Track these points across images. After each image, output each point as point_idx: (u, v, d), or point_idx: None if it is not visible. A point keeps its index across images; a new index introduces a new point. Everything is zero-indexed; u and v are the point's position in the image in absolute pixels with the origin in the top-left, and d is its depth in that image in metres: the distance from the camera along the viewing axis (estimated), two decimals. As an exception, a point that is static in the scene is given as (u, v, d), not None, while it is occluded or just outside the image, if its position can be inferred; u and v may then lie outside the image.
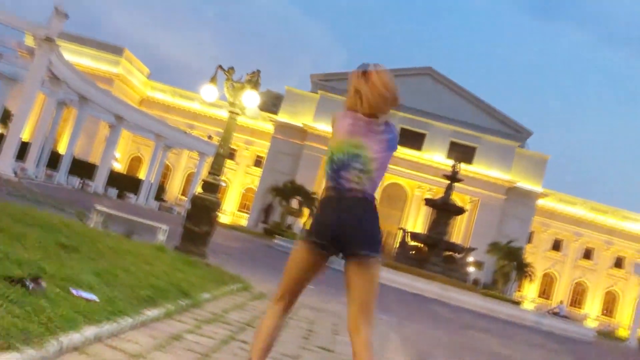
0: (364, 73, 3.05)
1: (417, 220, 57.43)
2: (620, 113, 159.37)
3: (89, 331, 3.62)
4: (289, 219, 52.80)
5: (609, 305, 65.66)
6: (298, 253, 3.03)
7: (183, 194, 63.65)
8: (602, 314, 64.81)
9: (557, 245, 66.28)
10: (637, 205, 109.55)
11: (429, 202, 36.80)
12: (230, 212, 64.12)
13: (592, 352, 19.77)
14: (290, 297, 3.09)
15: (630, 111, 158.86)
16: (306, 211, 51.73)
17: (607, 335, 47.31)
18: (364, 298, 2.94)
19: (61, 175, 36.11)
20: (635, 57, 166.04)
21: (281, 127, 60.98)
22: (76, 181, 39.10)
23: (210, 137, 61.34)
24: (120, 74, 62.94)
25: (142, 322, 4.54)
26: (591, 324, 56.76)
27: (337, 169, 2.96)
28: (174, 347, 4.13)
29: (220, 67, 9.80)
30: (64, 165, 36.43)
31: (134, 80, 66.20)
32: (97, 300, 4.30)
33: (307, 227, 3.03)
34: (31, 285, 3.75)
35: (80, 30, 62.16)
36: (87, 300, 4.19)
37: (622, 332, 56.50)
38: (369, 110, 2.99)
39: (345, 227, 2.91)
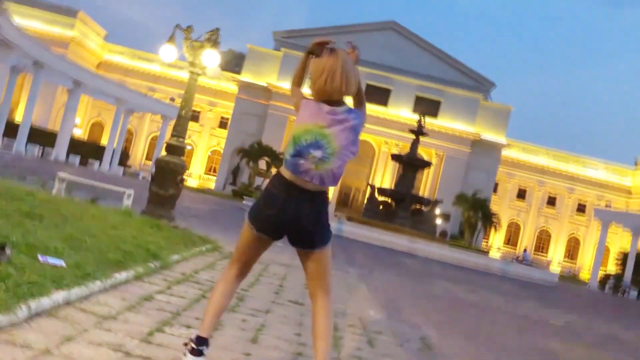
0: (333, 51, 2.94)
1: (384, 176, 57.98)
2: (581, 63, 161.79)
3: (58, 295, 3.62)
4: (257, 180, 52.72)
5: (572, 250, 68.02)
6: (245, 233, 3.01)
7: (147, 158, 62.76)
8: (566, 259, 67.19)
9: (521, 195, 67.92)
10: (597, 152, 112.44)
11: (395, 157, 37.14)
12: (197, 176, 63.64)
13: (554, 296, 20.59)
14: (242, 266, 3.09)
15: (590, 60, 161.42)
16: (275, 171, 51.65)
17: (570, 279, 49.26)
18: (324, 278, 3.02)
19: (19, 143, 35.11)
20: (594, 7, 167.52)
21: (245, 87, 60.20)
22: (36, 149, 38.14)
23: (172, 99, 60.31)
24: (76, 37, 60.87)
25: (112, 285, 4.56)
26: (555, 269, 58.87)
27: (296, 155, 2.83)
28: (145, 307, 4.17)
29: (178, 26, 9.57)
30: (22, 134, 35.38)
31: (90, 43, 64.15)
32: (65, 265, 4.29)
33: (254, 210, 2.97)
34: (-5, 253, 3.72)
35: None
36: (55, 265, 4.18)
37: (584, 276, 58.85)
38: (333, 93, 2.87)
39: (301, 224, 2.89)
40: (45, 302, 3.43)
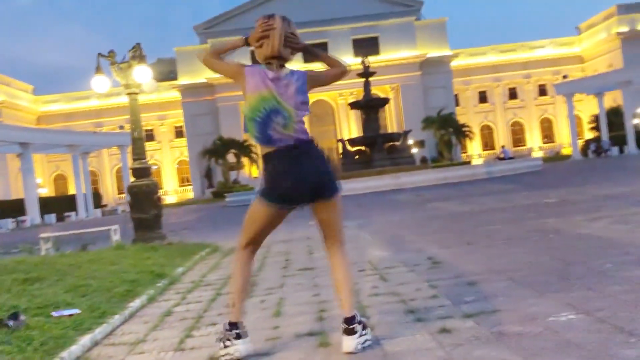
0: (270, 16, 3.09)
1: (350, 127, 58.21)
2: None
3: (85, 339, 3.76)
4: (232, 174, 52.62)
5: (547, 132, 69.33)
6: (261, 211, 3.14)
7: (120, 191, 62.15)
8: (544, 142, 68.52)
9: (483, 97, 68.71)
10: (542, 34, 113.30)
11: (353, 105, 37.19)
12: (173, 191, 63.27)
13: (541, 178, 21.17)
14: (254, 245, 3.26)
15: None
16: (246, 160, 51.58)
17: (553, 159, 50.41)
18: (337, 227, 3.20)
19: (-9, 222, 34.59)
20: None
21: (187, 90, 59.54)
22: (9, 222, 37.55)
23: (121, 127, 59.35)
24: (5, 101, 59.36)
25: (130, 313, 4.70)
26: (537, 154, 60.10)
27: (262, 127, 3.01)
28: (168, 322, 4.33)
29: (100, 54, 9.51)
30: (-10, 212, 34.84)
31: (21, 102, 62.68)
32: (80, 312, 4.41)
33: (267, 189, 3.08)
34: (12, 323, 3.83)
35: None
36: (71, 315, 4.30)
37: (566, 150, 60.25)
38: (275, 53, 3.02)
39: (317, 178, 3.04)
40: (75, 349, 3.56)
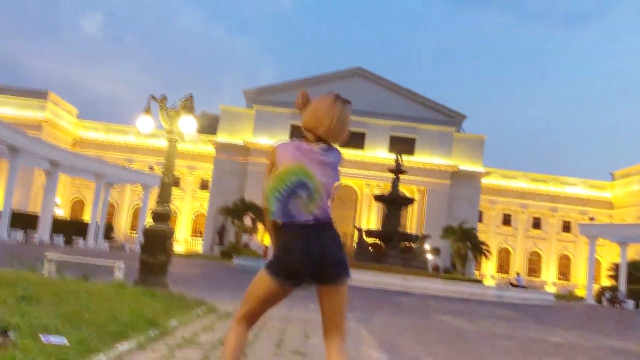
0: (337, 98, 3.07)
1: (370, 218, 58.21)
2: (546, 85, 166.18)
3: (66, 372, 3.69)
4: (245, 237, 52.54)
5: (564, 268, 68.24)
6: (265, 284, 3.00)
7: (132, 229, 62.33)
8: (559, 278, 67.31)
9: (506, 220, 68.45)
10: (573, 171, 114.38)
11: (378, 198, 37.44)
12: (183, 240, 63.21)
13: (551, 315, 20.64)
14: (251, 319, 3.11)
15: (551, 83, 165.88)
16: (261, 226, 51.60)
17: (566, 297, 49.26)
18: (339, 317, 3.04)
19: (2, 230, 34.81)
20: (552, 30, 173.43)
21: (222, 148, 60.69)
22: (19, 234, 37.77)
23: (151, 168, 60.43)
24: (48, 119, 61.21)
25: (116, 356, 4.61)
26: (550, 289, 58.88)
27: (284, 199, 2.90)
28: (151, 374, 4.23)
29: (153, 96, 9.84)
30: (3, 220, 35.14)
31: (63, 122, 64.50)
32: (67, 343, 4.36)
33: (275, 262, 2.98)
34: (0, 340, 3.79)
35: (1, 80, 60.16)
36: (58, 344, 4.25)
37: (580, 292, 58.89)
38: (326, 136, 2.99)
39: (326, 260, 2.92)
40: (54, 379, 3.50)
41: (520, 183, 68.50)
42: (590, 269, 47.05)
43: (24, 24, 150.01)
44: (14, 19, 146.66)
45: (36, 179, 55.60)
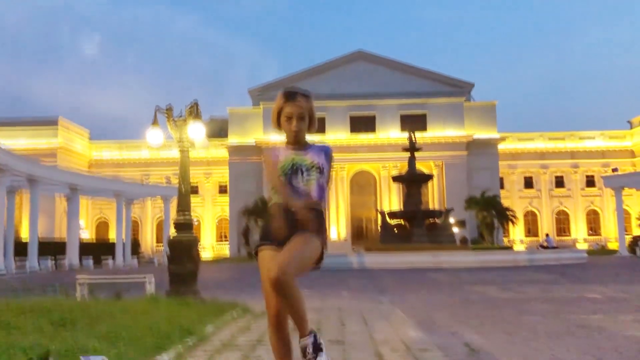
0: (289, 94, 3.30)
1: (391, 199, 58.01)
2: (554, 39, 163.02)
3: (109, 390, 3.72)
4: (269, 235, 52.71)
5: (593, 224, 67.45)
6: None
7: (158, 242, 62.92)
8: (590, 234, 66.56)
9: (528, 183, 67.75)
10: (592, 124, 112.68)
11: (396, 178, 37.28)
12: (210, 247, 63.67)
13: (587, 271, 20.41)
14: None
15: (562, 35, 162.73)
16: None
17: (599, 252, 48.74)
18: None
19: (32, 260, 35.32)
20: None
21: (235, 150, 60.89)
22: (48, 262, 38.31)
23: (168, 179, 60.78)
24: (62, 144, 61.87)
25: (157, 368, 4.65)
26: (582, 246, 58.30)
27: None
28: (193, 381, 4.25)
29: (158, 107, 9.86)
30: (32, 250, 35.65)
31: (76, 145, 65.17)
32: (107, 360, 4.39)
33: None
34: (41, 366, 3.83)
35: (10, 112, 60.89)
36: (98, 364, 4.28)
37: (612, 245, 58.25)
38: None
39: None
40: (99, 399, 3.52)
41: (538, 144, 67.70)
42: (620, 220, 46.46)
43: (23, 57, 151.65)
44: (14, 53, 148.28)
45: (58, 205, 56.29)
